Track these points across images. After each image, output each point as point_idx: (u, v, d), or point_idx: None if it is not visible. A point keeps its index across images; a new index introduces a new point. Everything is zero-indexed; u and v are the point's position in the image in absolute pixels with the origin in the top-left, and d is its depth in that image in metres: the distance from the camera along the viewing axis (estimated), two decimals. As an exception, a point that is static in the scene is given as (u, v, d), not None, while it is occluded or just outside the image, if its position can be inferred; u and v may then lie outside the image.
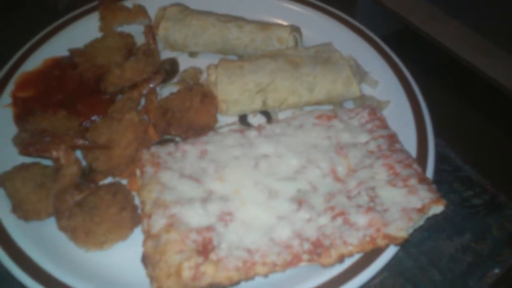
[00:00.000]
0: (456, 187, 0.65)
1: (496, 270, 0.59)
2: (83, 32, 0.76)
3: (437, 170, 0.64)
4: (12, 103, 0.68)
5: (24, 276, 0.52)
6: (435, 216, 0.57)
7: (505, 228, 0.63)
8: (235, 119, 0.71)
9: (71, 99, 0.68)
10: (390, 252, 0.54)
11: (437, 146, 0.66)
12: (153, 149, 0.62)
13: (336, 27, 0.79)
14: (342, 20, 0.79)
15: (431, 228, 0.61)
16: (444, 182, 0.65)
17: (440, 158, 0.68)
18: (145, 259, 0.53)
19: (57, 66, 0.72)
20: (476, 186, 0.67)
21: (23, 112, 0.67)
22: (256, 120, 0.70)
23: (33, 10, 0.89)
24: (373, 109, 0.67)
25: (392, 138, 0.64)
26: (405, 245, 0.56)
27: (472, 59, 1.87)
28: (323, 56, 0.71)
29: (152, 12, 0.80)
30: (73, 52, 0.71)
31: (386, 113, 0.69)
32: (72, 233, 0.55)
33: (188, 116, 0.65)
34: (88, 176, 0.60)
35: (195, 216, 0.55)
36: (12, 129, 0.65)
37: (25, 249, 0.54)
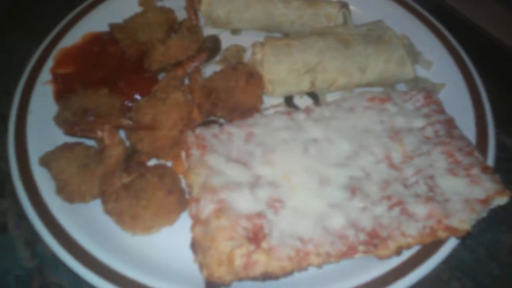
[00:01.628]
0: (514, 177, 0.61)
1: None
2: (122, 6, 0.74)
3: (494, 158, 0.61)
4: (51, 79, 0.65)
5: (69, 259, 0.51)
6: (493, 208, 0.54)
7: None
8: (280, 100, 0.68)
9: (112, 76, 0.66)
10: (450, 244, 0.51)
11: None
12: (198, 130, 0.60)
13: (386, 4, 0.75)
14: (395, -3, 0.74)
15: (490, 219, 0.57)
16: (502, 170, 0.61)
17: (496, 146, 0.64)
18: (195, 245, 0.51)
19: (96, 41, 0.70)
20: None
21: (63, 89, 0.65)
22: (303, 102, 0.68)
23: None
24: (429, 92, 0.63)
25: (450, 124, 0.60)
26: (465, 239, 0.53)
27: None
28: (375, 35, 0.67)
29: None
30: (114, 27, 0.68)
31: (441, 96, 0.65)
32: (119, 216, 0.53)
33: (234, 97, 0.63)
34: (132, 157, 0.58)
35: (244, 202, 0.53)
36: (52, 107, 0.64)
37: (70, 232, 0.53)
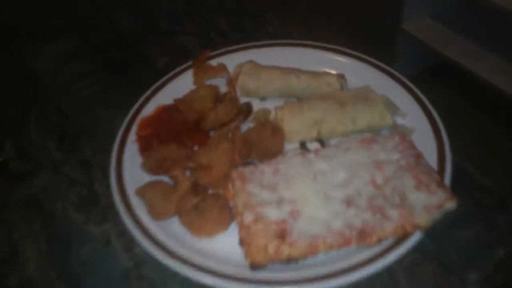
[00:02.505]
0: (471, 191, 0.83)
1: (501, 251, 0.77)
2: (181, 85, 1.01)
3: (455, 179, 0.83)
4: (136, 139, 0.93)
5: (159, 255, 0.75)
6: (454, 211, 0.77)
7: (510, 221, 0.81)
8: (296, 145, 0.93)
9: (178, 135, 0.92)
10: (416, 238, 0.74)
11: (456, 160, 0.85)
12: (240, 169, 0.85)
13: (373, 73, 1.00)
14: (378, 67, 1.00)
15: (451, 220, 0.78)
16: (461, 188, 0.83)
17: (458, 170, 0.86)
18: (242, 242, 0.76)
19: (165, 111, 0.96)
20: (487, 191, 0.85)
21: (144, 146, 0.92)
22: (313, 145, 0.92)
23: (140, 70, 1.17)
24: (403, 134, 0.87)
25: (418, 156, 0.84)
26: (430, 232, 0.75)
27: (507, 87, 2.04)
28: (363, 95, 0.92)
29: (229, 68, 1.04)
30: (177, 101, 0.95)
31: (413, 138, 0.89)
32: (190, 227, 0.78)
33: (263, 144, 0.88)
34: (195, 188, 0.84)
35: (273, 214, 0.77)
36: (138, 158, 0.91)
37: (159, 238, 0.78)
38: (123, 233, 0.84)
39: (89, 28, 1.38)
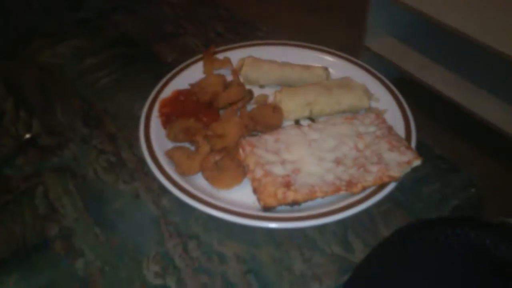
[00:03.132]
0: (431, 159, 1.05)
1: (456, 202, 0.99)
2: (193, 74, 1.18)
3: (418, 150, 1.05)
4: (159, 115, 1.10)
5: (188, 200, 0.91)
6: (417, 173, 0.99)
7: (461, 181, 1.03)
8: (291, 122, 1.13)
9: (193, 112, 1.09)
10: (391, 186, 0.95)
11: (419, 137, 1.07)
12: (247, 138, 1.04)
13: (351, 67, 1.21)
14: (355, 63, 1.21)
15: (416, 180, 1.00)
16: (423, 156, 1.04)
17: (420, 143, 1.08)
18: (255, 191, 0.94)
19: (181, 94, 1.14)
20: (443, 158, 1.08)
21: (166, 120, 1.09)
22: (304, 123, 1.12)
23: (152, 64, 1.34)
24: (378, 113, 1.10)
25: (390, 129, 1.05)
26: (400, 189, 0.96)
27: (461, 99, 2.33)
28: (345, 84, 1.14)
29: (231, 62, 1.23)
30: (192, 85, 1.14)
31: (385, 116, 1.11)
32: (212, 180, 0.96)
33: (266, 120, 1.06)
34: (216, 150, 1.02)
35: (278, 170, 0.95)
36: (160, 131, 1.08)
37: (187, 188, 0.95)
38: (151, 189, 1.01)
39: (94, 29, 1.52)
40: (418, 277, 0.55)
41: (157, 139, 1.03)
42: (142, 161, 0.99)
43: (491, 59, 2.13)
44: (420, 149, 1.02)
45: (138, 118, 1.06)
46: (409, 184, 0.99)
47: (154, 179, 0.94)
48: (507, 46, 2.01)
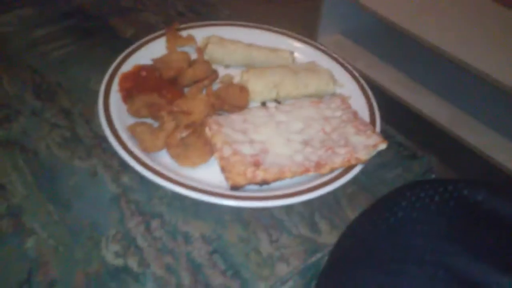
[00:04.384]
0: (393, 145, 1.06)
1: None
2: (155, 49, 1.13)
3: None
4: (119, 90, 1.04)
5: (151, 176, 0.85)
6: (381, 158, 1.00)
7: (421, 167, 1.06)
8: (258, 104, 1.11)
9: (156, 88, 1.05)
10: (358, 168, 0.96)
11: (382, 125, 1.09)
12: (214, 116, 1.01)
13: (315, 53, 1.22)
14: (318, 48, 1.22)
15: (379, 165, 1.02)
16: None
17: (382, 131, 1.09)
18: (223, 169, 0.91)
19: (143, 69, 1.08)
20: (404, 145, 1.10)
21: (126, 95, 1.04)
22: (271, 105, 1.10)
23: (109, 38, 1.28)
24: (343, 98, 1.10)
25: (355, 114, 1.06)
26: (365, 173, 0.97)
27: (404, 96, 2.42)
28: (311, 68, 1.14)
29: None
30: (155, 60, 1.09)
31: (350, 102, 1.12)
32: (177, 157, 0.91)
33: (233, 100, 1.04)
34: (177, 129, 0.98)
35: (247, 150, 0.93)
36: (121, 106, 1.03)
37: (150, 164, 0.90)
38: (110, 166, 0.95)
39: (43, 0, 1.43)
40: (414, 239, 0.55)
41: (117, 114, 0.98)
42: (99, 137, 0.95)
43: (439, 61, 2.23)
44: (383, 136, 1.03)
45: (95, 93, 1.00)
46: (372, 169, 1.00)
47: (114, 155, 0.90)
48: (454, 47, 2.10)
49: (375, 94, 1.15)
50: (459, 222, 0.55)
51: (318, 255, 0.87)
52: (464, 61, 2.03)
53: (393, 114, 1.16)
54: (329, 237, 0.90)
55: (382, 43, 2.69)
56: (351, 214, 0.94)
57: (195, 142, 0.93)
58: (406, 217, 0.59)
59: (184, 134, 0.93)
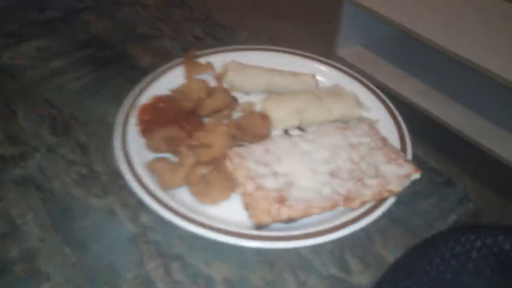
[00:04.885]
0: (425, 171, 0.99)
1: (453, 217, 0.95)
2: (173, 78, 1.10)
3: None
4: (137, 123, 1.01)
5: (170, 215, 0.80)
6: (414, 187, 0.94)
7: (457, 195, 0.99)
8: (280, 132, 1.06)
9: (175, 120, 1.01)
10: (391, 201, 0.89)
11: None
12: (235, 149, 0.97)
13: (338, 75, 1.16)
14: (342, 70, 1.17)
15: (413, 195, 0.95)
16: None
17: (413, 156, 1.03)
18: (247, 207, 0.86)
19: (161, 100, 1.05)
20: (437, 171, 1.03)
21: (145, 129, 1.00)
22: (294, 132, 1.05)
23: (125, 67, 1.25)
24: (371, 123, 1.05)
25: (384, 140, 1.00)
26: (398, 204, 0.91)
27: (430, 108, 2.33)
28: (335, 92, 1.08)
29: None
30: (173, 90, 1.05)
31: (377, 127, 1.06)
32: (198, 194, 0.87)
33: (254, 129, 0.99)
34: (197, 165, 0.94)
35: (271, 184, 0.88)
36: (139, 140, 0.99)
37: (171, 204, 0.86)
38: (127, 204, 0.91)
39: (60, 30, 1.41)
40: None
41: (135, 148, 0.94)
42: (116, 173, 0.90)
43: (464, 71, 2.15)
44: (414, 162, 0.97)
45: (112, 126, 0.96)
46: (405, 199, 0.93)
47: (131, 193, 0.85)
48: (477, 56, 2.02)
49: (396, 105, 1.09)
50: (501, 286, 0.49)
51: (351, 299, 0.80)
52: (490, 69, 1.95)
53: (418, 126, 1.09)
54: (361, 277, 0.84)
55: (403, 53, 2.62)
56: (384, 251, 0.88)
57: (216, 178, 0.88)
58: (439, 278, 0.53)
59: (205, 170, 0.88)
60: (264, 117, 1.01)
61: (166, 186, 0.87)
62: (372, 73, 2.54)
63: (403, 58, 2.64)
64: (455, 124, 2.20)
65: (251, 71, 1.12)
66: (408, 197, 0.95)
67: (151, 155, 0.95)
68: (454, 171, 1.07)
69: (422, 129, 1.11)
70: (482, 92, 2.28)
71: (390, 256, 0.87)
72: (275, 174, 0.91)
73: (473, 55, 2.05)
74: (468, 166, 2.16)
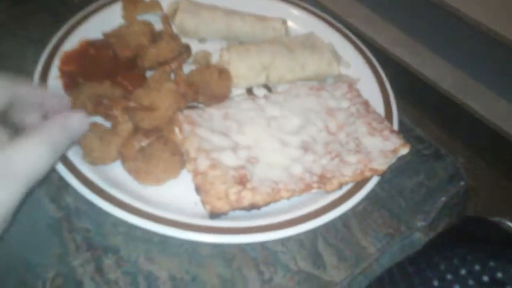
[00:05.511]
0: (411, 142, 0.84)
1: (443, 198, 0.81)
2: (108, 19, 0.88)
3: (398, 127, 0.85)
4: (60, 75, 0.79)
5: (100, 201, 0.65)
6: (399, 161, 0.79)
7: (447, 170, 0.85)
8: (242, 91, 0.87)
9: (109, 73, 0.81)
10: (374, 181, 0.74)
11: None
12: (186, 112, 0.78)
13: (314, 22, 0.97)
14: (319, 16, 0.98)
15: (397, 170, 0.81)
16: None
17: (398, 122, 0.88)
18: (198, 189, 0.69)
19: (91, 46, 0.83)
20: (425, 142, 0.89)
21: (69, 83, 0.79)
22: (259, 92, 0.87)
23: (51, 3, 1.00)
24: (350, 83, 0.87)
25: (367, 104, 0.84)
26: (380, 182, 0.76)
27: (404, 57, 2.17)
28: (309, 42, 0.90)
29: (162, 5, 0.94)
30: (107, 34, 0.83)
31: (358, 86, 0.88)
32: (136, 172, 0.69)
33: (210, 87, 0.81)
34: (136, 133, 0.74)
35: (230, 160, 0.71)
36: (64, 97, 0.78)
37: (100, 185, 0.68)
38: (47, 180, 0.72)
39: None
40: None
41: (56, 110, 0.73)
42: None
43: (443, 18, 1.98)
44: (398, 130, 0.82)
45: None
46: (388, 176, 0.78)
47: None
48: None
49: (373, 54, 0.93)
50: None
51: (324, 300, 0.66)
52: (472, 17, 1.79)
53: (395, 78, 0.93)
54: (336, 273, 0.70)
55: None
56: (363, 240, 0.74)
57: (160, 152, 0.70)
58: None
59: (145, 141, 0.69)
60: (222, 73, 0.82)
61: (95, 161, 0.69)
62: (344, 15, 2.31)
63: (377, 1, 2.43)
64: (439, 81, 2.05)
65: (207, 13, 0.91)
66: (391, 173, 0.80)
67: (78, 119, 0.75)
68: (442, 137, 0.92)
69: (401, 85, 0.94)
70: (467, 45, 2.12)
71: (371, 246, 0.73)
72: (235, 147, 0.73)
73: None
74: (457, 133, 2.01)
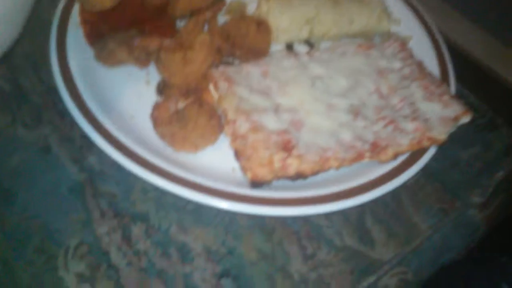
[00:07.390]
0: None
1: (501, 173, 0.74)
2: None
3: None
4: (81, 22, 0.71)
5: (130, 163, 0.59)
6: (455, 133, 0.71)
7: (504, 142, 0.78)
8: (282, 46, 0.79)
9: (135, 22, 0.72)
10: (431, 152, 0.67)
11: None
12: (221, 68, 0.70)
13: None
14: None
15: (450, 140, 0.73)
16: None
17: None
18: (238, 155, 0.62)
19: None
20: (480, 110, 0.81)
21: (92, 32, 0.71)
22: (300, 49, 0.79)
23: None
24: (403, 41, 0.78)
25: (421, 65, 0.75)
26: (434, 155, 0.69)
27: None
28: (357, -3, 0.81)
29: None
30: (135, -22, 0.75)
31: (410, 45, 0.80)
32: (171, 138, 0.61)
33: (247, 41, 0.73)
34: (163, 91, 0.67)
35: (272, 122, 0.64)
36: (84, 47, 0.70)
37: (129, 145, 0.61)
38: (69, 138, 0.66)
39: None
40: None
41: (78, 58, 0.66)
42: (53, 93, 0.68)
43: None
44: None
45: (47, 24, 0.72)
46: (441, 147, 0.70)
47: (74, 123, 0.64)
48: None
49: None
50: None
51: (371, 279, 0.60)
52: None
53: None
54: (385, 251, 0.65)
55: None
56: (416, 217, 0.67)
57: (196, 115, 0.62)
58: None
59: (181, 103, 0.61)
60: (261, 25, 0.74)
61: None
62: None
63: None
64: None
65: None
66: (446, 145, 0.72)
67: (100, 70, 0.67)
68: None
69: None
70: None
71: (423, 224, 0.66)
72: (277, 109, 0.65)
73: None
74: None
